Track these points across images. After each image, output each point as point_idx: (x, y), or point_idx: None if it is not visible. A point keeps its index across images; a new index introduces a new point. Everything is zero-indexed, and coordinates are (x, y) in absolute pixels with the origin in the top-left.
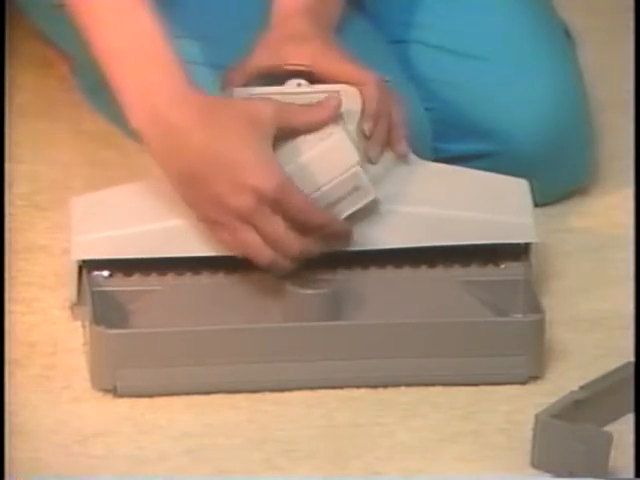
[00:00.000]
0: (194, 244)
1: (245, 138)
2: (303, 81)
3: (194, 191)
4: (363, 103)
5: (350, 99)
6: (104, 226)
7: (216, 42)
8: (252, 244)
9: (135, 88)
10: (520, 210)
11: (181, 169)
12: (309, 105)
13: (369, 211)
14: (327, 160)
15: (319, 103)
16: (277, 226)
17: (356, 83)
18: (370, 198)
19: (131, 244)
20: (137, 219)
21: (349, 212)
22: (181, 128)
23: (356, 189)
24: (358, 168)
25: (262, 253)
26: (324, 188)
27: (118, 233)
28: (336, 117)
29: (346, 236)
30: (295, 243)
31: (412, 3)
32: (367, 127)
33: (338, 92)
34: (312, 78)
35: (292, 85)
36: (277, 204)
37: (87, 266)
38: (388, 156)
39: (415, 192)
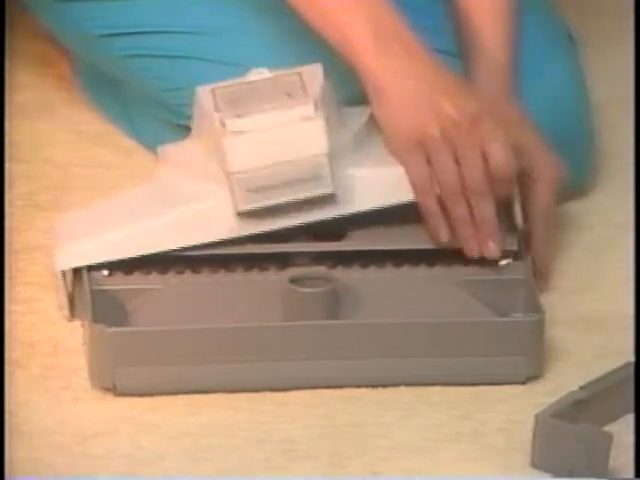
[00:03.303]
0: (172, 238)
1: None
2: (264, 69)
3: (417, 99)
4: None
5: (313, 79)
6: (83, 234)
7: (212, 37)
8: (446, 166)
9: (368, 25)
10: None
11: (414, 81)
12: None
13: (348, 177)
14: (299, 141)
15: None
16: (475, 154)
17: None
18: (327, 191)
19: (112, 247)
20: (113, 224)
21: (302, 195)
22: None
23: (315, 178)
24: (324, 159)
25: (452, 175)
26: (286, 165)
27: (99, 238)
28: (318, 104)
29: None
30: (483, 182)
31: (415, 7)
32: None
33: (301, 73)
34: None
35: (254, 74)
36: (484, 129)
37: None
38: (365, 116)
39: None
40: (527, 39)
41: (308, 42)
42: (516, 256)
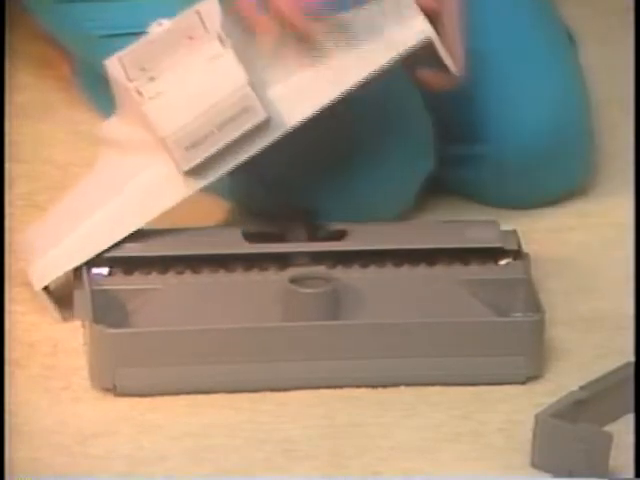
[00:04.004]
0: (129, 221)
1: None
2: (163, 20)
3: None
4: None
5: (211, 12)
6: (50, 244)
7: None
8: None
9: None
10: None
11: None
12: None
13: (275, 96)
14: (216, 82)
15: None
16: None
17: None
18: (261, 118)
19: (79, 248)
20: (73, 225)
21: (240, 132)
22: None
23: (246, 110)
24: (247, 89)
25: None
26: (214, 109)
27: (66, 243)
28: (222, 38)
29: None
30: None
31: None
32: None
33: (199, 11)
34: None
35: (155, 28)
36: None
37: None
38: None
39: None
40: (527, 39)
41: None
42: (516, 256)
